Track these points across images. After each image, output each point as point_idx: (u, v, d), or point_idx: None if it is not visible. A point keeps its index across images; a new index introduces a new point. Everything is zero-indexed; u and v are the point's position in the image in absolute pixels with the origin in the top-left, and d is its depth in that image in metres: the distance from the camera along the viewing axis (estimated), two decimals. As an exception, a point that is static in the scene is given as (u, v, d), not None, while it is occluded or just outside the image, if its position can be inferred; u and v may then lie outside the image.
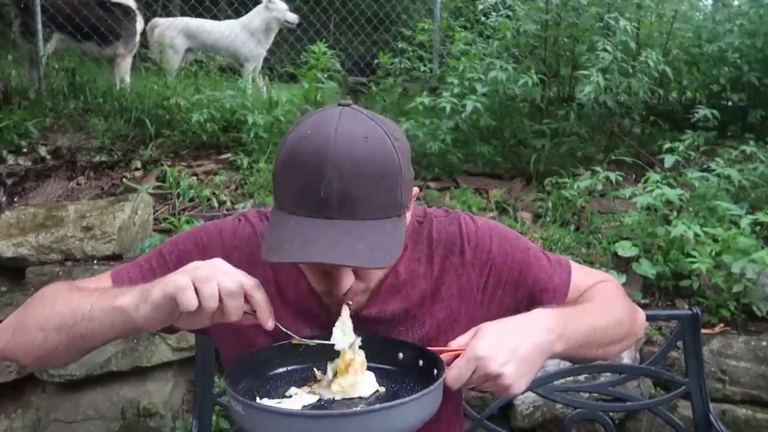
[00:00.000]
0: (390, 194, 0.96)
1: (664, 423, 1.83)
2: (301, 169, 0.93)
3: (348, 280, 1.02)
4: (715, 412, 1.77)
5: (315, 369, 1.06)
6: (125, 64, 4.78)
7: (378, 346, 1.08)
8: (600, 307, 1.17)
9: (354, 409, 0.95)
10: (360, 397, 1.00)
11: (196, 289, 0.90)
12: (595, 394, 2.22)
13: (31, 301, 1.10)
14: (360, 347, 1.04)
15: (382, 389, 1.01)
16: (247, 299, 0.94)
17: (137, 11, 4.85)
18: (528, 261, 1.22)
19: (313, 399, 0.99)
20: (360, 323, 1.13)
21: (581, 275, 1.27)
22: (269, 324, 0.96)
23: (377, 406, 0.91)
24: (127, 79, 4.72)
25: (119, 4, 4.72)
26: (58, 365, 1.10)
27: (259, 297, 0.95)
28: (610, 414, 1.91)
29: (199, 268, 0.93)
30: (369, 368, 1.03)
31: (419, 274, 1.17)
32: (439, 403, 0.96)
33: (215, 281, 0.91)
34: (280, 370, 1.08)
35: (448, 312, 1.17)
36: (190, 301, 0.90)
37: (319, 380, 1.04)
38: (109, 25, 4.56)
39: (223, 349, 1.27)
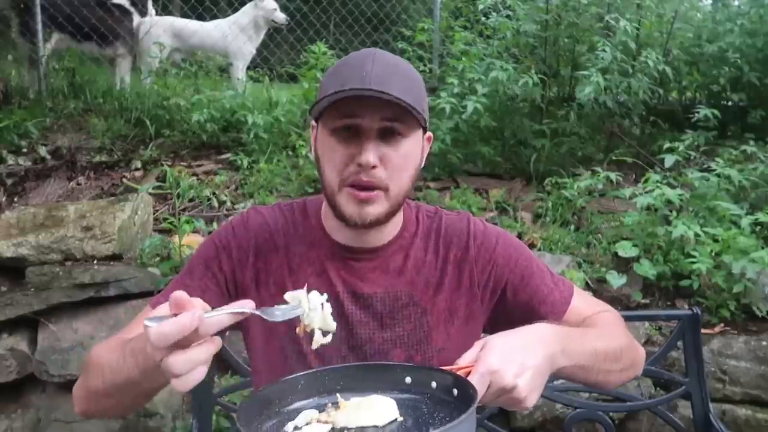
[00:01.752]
0: (418, 94, 1.10)
1: (664, 423, 1.83)
2: (345, 67, 1.10)
3: (374, 152, 1.07)
4: (715, 412, 1.78)
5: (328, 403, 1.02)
6: (125, 64, 4.79)
7: (386, 372, 1.06)
8: (602, 334, 1.17)
9: None
10: (375, 426, 0.95)
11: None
12: (595, 394, 2.22)
13: (88, 366, 1.11)
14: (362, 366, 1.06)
15: (401, 418, 0.97)
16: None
17: (134, 11, 4.85)
18: (531, 270, 1.24)
19: (325, 429, 0.94)
20: (367, 303, 1.18)
21: (583, 301, 1.28)
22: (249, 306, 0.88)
23: None
24: (127, 79, 4.72)
25: (119, 5, 4.72)
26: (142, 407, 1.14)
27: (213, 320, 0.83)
28: (610, 414, 1.91)
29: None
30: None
31: (425, 261, 1.22)
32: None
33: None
34: (290, 407, 1.02)
35: (448, 304, 1.21)
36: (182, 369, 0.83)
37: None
38: (108, 25, 4.56)
39: (249, 338, 1.26)
